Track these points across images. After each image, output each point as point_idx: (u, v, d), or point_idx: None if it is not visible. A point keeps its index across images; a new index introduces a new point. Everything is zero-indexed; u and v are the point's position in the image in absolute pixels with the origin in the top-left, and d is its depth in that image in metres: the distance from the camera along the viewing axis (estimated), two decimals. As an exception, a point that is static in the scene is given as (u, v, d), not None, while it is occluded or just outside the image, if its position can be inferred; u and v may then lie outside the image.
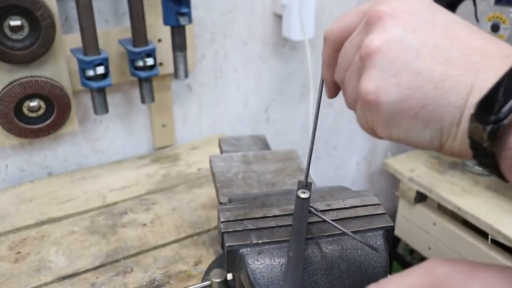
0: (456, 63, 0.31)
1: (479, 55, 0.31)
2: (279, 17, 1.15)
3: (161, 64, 1.01)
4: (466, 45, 0.32)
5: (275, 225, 0.51)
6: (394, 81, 0.33)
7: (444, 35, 0.33)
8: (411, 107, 0.32)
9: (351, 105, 0.39)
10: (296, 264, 0.42)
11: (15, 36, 0.82)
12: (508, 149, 0.29)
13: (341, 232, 0.51)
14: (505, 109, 0.29)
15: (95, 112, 0.94)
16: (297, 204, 0.49)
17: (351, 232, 0.48)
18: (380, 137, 0.37)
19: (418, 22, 0.33)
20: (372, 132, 0.37)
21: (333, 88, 0.44)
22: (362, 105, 0.35)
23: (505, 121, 0.28)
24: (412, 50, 0.32)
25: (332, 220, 0.52)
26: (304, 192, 0.51)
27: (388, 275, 0.57)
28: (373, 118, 0.35)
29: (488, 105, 0.29)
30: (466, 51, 0.32)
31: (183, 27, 0.95)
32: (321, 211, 0.53)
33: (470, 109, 0.31)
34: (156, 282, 0.70)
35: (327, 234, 0.50)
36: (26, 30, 0.82)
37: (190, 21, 0.94)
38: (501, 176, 0.31)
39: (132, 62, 0.93)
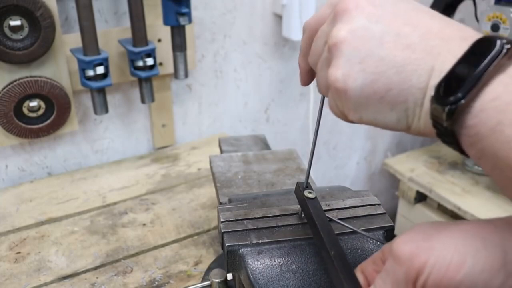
0: (417, 48, 0.33)
1: (438, 38, 0.33)
2: (279, 17, 1.15)
3: (161, 64, 1.01)
4: (427, 30, 0.34)
5: (275, 225, 0.51)
6: (360, 68, 0.35)
7: (405, 22, 0.35)
8: (377, 92, 0.34)
9: (323, 92, 0.40)
10: (343, 261, 0.42)
11: (15, 36, 0.82)
12: (466, 128, 0.31)
13: (341, 232, 0.51)
14: (462, 90, 0.31)
15: (95, 112, 0.94)
16: (309, 204, 0.49)
17: (361, 230, 0.49)
18: (351, 121, 0.38)
19: (381, 12, 0.35)
20: (343, 117, 0.39)
21: (307, 76, 0.46)
22: (332, 92, 0.37)
23: (462, 101, 0.31)
24: (376, 38, 0.34)
25: (332, 220, 0.52)
26: (310, 192, 0.50)
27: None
28: (343, 103, 0.37)
29: (446, 87, 0.31)
30: (426, 36, 0.34)
31: (183, 27, 0.95)
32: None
33: (431, 90, 0.33)
34: (156, 282, 0.70)
35: (327, 234, 0.50)
36: (26, 30, 0.82)
37: (190, 21, 0.94)
38: (463, 152, 0.34)
39: (132, 62, 0.93)
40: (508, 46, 0.30)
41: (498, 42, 0.31)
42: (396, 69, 0.34)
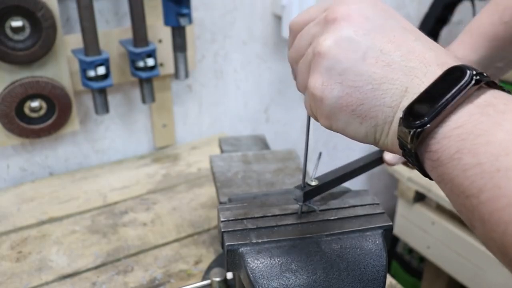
0: (396, 67, 0.34)
1: (418, 60, 0.34)
2: (278, 18, 1.15)
3: (161, 64, 1.01)
4: (409, 50, 0.35)
5: (274, 224, 0.51)
6: (339, 80, 0.36)
7: (391, 39, 0.35)
8: (349, 104, 0.36)
9: (301, 90, 0.42)
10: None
11: (16, 37, 0.82)
12: (429, 152, 0.32)
13: (341, 231, 0.51)
14: (428, 115, 0.31)
15: (96, 112, 0.95)
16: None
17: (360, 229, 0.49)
18: (323, 125, 0.40)
19: (370, 25, 0.36)
20: (316, 118, 0.40)
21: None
22: (309, 96, 0.38)
23: (427, 127, 0.31)
24: (359, 52, 0.35)
25: (331, 219, 0.53)
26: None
27: (387, 275, 0.57)
28: (317, 109, 0.38)
29: (414, 111, 0.32)
30: (407, 56, 0.34)
31: (184, 27, 0.95)
32: (321, 210, 0.54)
33: (401, 111, 0.33)
34: (157, 281, 0.70)
35: (327, 233, 0.51)
36: (28, 31, 0.83)
37: (190, 21, 0.95)
38: (426, 175, 0.35)
39: (132, 62, 0.94)
40: (478, 77, 0.31)
41: (468, 73, 0.31)
42: (372, 86, 0.35)
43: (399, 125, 0.33)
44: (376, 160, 0.61)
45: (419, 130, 0.32)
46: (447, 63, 0.33)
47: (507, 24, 0.57)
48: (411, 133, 0.32)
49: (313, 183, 0.52)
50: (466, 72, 0.31)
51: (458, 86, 0.31)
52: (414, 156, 0.33)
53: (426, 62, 0.34)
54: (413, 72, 0.34)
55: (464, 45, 0.60)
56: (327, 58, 0.36)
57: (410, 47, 0.35)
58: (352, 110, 0.36)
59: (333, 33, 0.36)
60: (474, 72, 0.31)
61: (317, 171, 0.55)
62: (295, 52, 0.41)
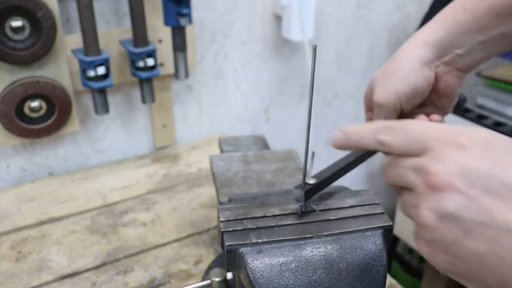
0: (505, 241, 0.32)
1: None
2: (278, 18, 1.15)
3: (161, 64, 1.01)
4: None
5: (274, 224, 0.51)
6: (444, 250, 0.35)
7: (499, 208, 0.33)
8: (457, 271, 0.35)
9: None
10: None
11: (16, 37, 0.82)
12: None
13: (340, 231, 0.51)
14: None
15: (96, 112, 0.95)
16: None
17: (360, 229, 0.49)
18: None
19: (474, 193, 0.33)
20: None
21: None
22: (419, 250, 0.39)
23: None
24: (462, 228, 0.34)
25: (331, 219, 0.53)
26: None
27: (387, 275, 0.57)
28: (431, 262, 0.38)
29: None
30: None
31: (184, 27, 0.95)
32: (320, 210, 0.54)
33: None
34: (157, 281, 0.70)
35: (327, 233, 0.51)
36: (28, 31, 0.83)
37: (190, 21, 0.95)
38: None
39: (132, 62, 0.94)
40: None
41: None
42: (477, 259, 0.34)
43: None
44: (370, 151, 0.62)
45: None
46: None
47: (466, 11, 0.56)
48: None
49: (311, 181, 0.52)
50: None
51: None
52: None
53: None
54: None
55: (426, 26, 0.60)
56: (430, 233, 0.35)
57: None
58: (461, 275, 0.35)
59: (434, 206, 0.35)
60: None
61: (315, 170, 0.54)
62: (393, 178, 0.41)
